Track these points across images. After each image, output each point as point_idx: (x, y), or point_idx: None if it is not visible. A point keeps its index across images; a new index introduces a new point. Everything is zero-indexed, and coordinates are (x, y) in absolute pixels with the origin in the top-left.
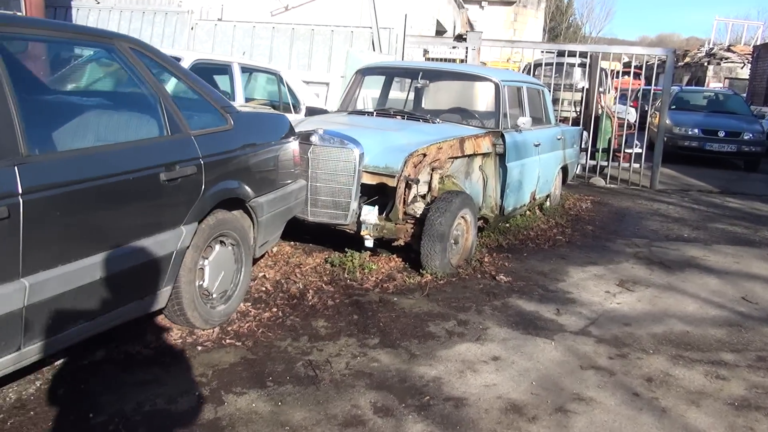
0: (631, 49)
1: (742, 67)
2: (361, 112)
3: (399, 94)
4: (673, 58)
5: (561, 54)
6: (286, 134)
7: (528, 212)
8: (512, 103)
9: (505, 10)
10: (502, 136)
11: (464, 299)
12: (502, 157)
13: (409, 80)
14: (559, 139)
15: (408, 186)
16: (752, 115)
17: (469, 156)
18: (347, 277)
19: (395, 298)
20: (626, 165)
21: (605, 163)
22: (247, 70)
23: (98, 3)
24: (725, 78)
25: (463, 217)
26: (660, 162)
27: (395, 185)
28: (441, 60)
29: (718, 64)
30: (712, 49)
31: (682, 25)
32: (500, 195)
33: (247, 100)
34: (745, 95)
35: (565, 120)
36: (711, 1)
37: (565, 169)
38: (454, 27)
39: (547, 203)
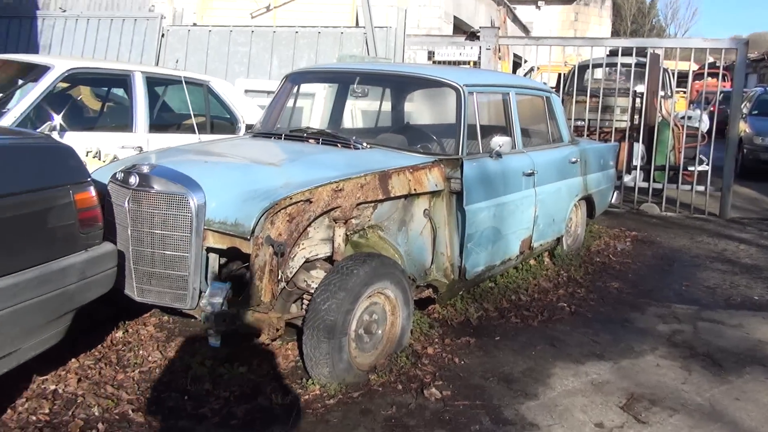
0: (689, 42)
1: None
2: (268, 135)
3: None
4: (744, 51)
5: (614, 53)
6: (57, 176)
7: (533, 261)
8: (488, 117)
9: (564, 9)
10: (462, 165)
11: None
12: (460, 197)
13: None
14: (573, 162)
15: (278, 252)
16: None
17: (405, 197)
18: (189, 388)
19: None
20: (689, 186)
21: (663, 185)
22: (161, 82)
23: (64, 12)
24: None
25: (381, 293)
26: (731, 183)
27: (251, 251)
28: (450, 63)
29: None
30: None
31: None
32: (459, 251)
33: (160, 117)
34: None
35: (614, 132)
36: None
37: (589, 201)
38: (492, 27)
39: (561, 248)
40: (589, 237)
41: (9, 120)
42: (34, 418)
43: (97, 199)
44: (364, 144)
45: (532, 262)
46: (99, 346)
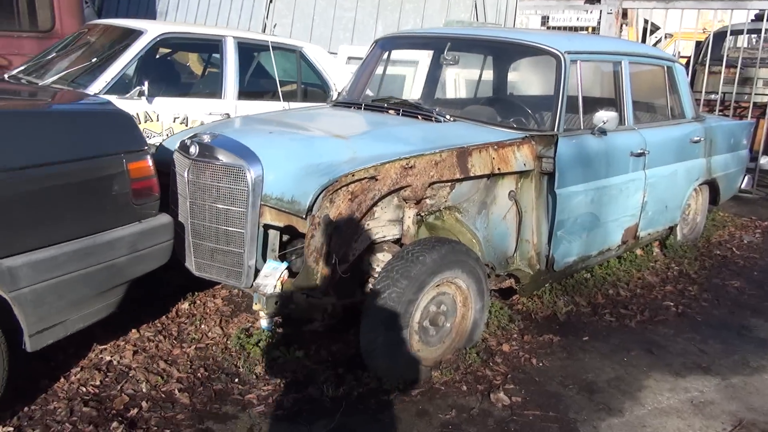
0: None
1: None
2: (348, 105)
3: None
4: None
5: (761, 18)
6: (110, 144)
7: (639, 251)
8: (595, 89)
9: None
10: (556, 143)
11: None
12: (552, 178)
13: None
14: (696, 142)
15: (335, 233)
16: None
17: (487, 177)
18: (241, 370)
19: None
20: None
21: None
22: (254, 48)
23: None
24: None
25: (451, 282)
26: None
27: (307, 231)
28: (566, 30)
29: None
30: None
31: None
32: (548, 239)
33: (251, 83)
34: None
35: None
36: None
37: (713, 186)
38: None
39: (674, 238)
40: (710, 226)
41: (100, 85)
42: (83, 389)
43: (153, 169)
44: (447, 116)
45: (638, 252)
46: (163, 317)
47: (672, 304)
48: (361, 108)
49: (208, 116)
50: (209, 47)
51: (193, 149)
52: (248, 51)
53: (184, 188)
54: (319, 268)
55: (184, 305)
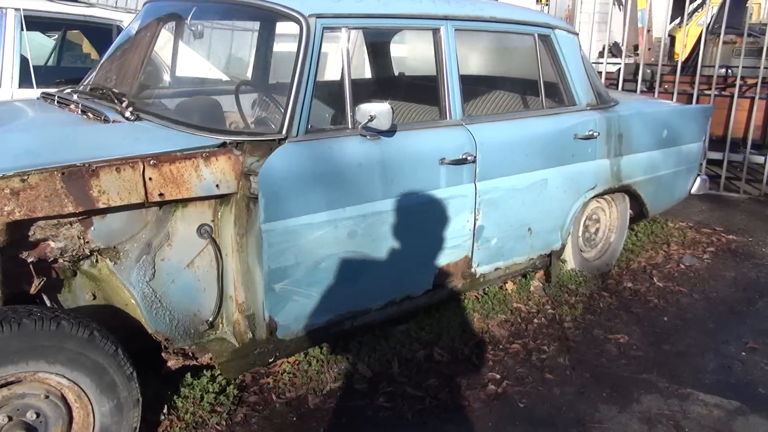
0: None
1: None
2: (47, 98)
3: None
4: None
5: None
6: None
7: (511, 285)
8: (394, 69)
9: None
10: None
11: None
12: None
13: None
14: (586, 138)
15: None
16: None
17: (159, 206)
18: None
19: None
20: None
21: None
22: (53, 23)
23: None
24: None
25: (41, 380)
26: None
27: None
28: None
29: None
30: None
31: None
32: (264, 295)
33: (53, 69)
34: None
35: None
36: None
37: (633, 195)
38: None
39: (565, 266)
40: (645, 243)
41: None
42: None
43: None
44: (127, 115)
45: (509, 287)
46: None
47: (498, 376)
48: (54, 101)
49: None
50: None
51: None
52: (47, 26)
53: None
54: None
55: None
